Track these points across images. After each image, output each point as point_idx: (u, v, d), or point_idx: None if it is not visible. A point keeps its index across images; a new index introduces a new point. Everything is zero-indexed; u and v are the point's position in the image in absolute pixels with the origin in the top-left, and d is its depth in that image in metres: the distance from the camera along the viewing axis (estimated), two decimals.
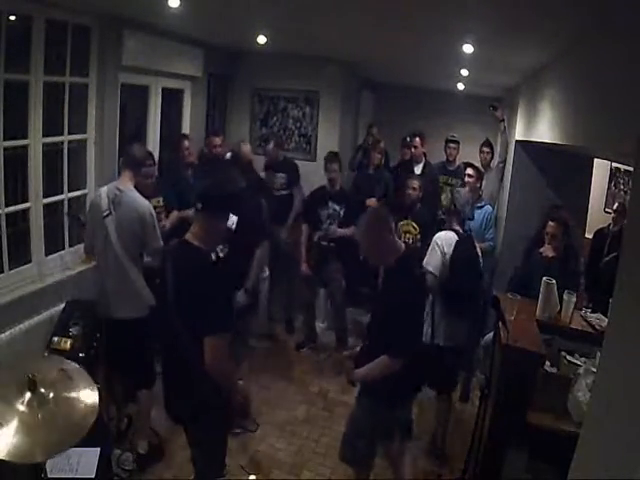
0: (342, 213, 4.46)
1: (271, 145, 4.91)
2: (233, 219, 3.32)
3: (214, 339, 2.05)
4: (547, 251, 3.54)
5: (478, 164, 4.96)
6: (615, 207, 4.80)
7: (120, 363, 3.14)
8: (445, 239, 3.26)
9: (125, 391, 3.40)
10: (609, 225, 4.70)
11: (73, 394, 1.70)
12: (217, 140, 4.86)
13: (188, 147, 4.39)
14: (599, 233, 4.79)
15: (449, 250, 3.20)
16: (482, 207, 4.38)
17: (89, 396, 1.72)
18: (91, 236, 3.08)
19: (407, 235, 4.16)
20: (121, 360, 3.10)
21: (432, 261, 3.21)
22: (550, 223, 3.51)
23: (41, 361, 1.79)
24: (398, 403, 2.61)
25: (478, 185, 4.44)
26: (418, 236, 4.19)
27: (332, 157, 4.52)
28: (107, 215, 2.95)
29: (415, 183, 4.19)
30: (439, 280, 3.20)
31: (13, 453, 1.47)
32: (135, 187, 3.06)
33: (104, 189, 3.04)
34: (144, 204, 3.00)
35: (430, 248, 3.29)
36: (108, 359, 3.18)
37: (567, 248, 3.55)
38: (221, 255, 3.37)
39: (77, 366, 1.86)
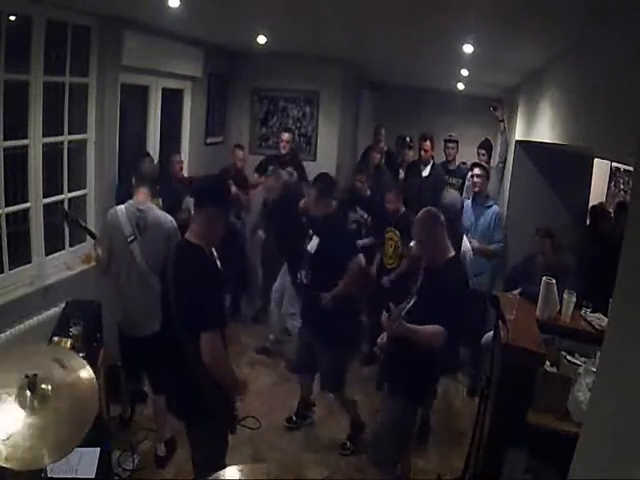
0: (369, 220, 4.63)
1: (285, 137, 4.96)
2: (314, 242, 3.28)
3: (210, 335, 2.06)
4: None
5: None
6: (614, 208, 4.80)
7: (140, 375, 3.33)
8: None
9: (135, 392, 3.50)
10: None
11: (70, 378, 1.68)
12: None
13: (243, 158, 4.61)
14: None
15: None
16: (490, 207, 4.37)
17: (85, 373, 1.71)
18: (108, 258, 3.01)
19: (390, 242, 4.23)
20: (141, 371, 3.27)
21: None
22: (537, 239, 3.71)
23: (33, 358, 1.77)
24: (427, 397, 2.78)
25: (486, 184, 4.43)
26: (399, 242, 4.22)
27: (359, 168, 4.80)
28: (132, 240, 2.91)
29: (390, 196, 4.29)
30: None
31: (23, 461, 1.43)
32: None
33: (121, 209, 2.96)
34: (168, 220, 2.97)
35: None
36: (127, 373, 3.33)
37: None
38: (305, 281, 3.32)
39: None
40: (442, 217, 2.69)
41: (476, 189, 4.41)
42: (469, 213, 4.41)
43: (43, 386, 1.61)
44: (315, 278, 3.31)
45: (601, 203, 4.88)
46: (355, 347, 4.53)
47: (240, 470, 1.60)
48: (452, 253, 2.67)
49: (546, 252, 3.65)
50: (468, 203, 4.49)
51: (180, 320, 2.12)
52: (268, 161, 5.01)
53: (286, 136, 5.00)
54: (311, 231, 3.41)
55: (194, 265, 2.16)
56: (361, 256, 3.28)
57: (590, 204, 4.88)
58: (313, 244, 3.31)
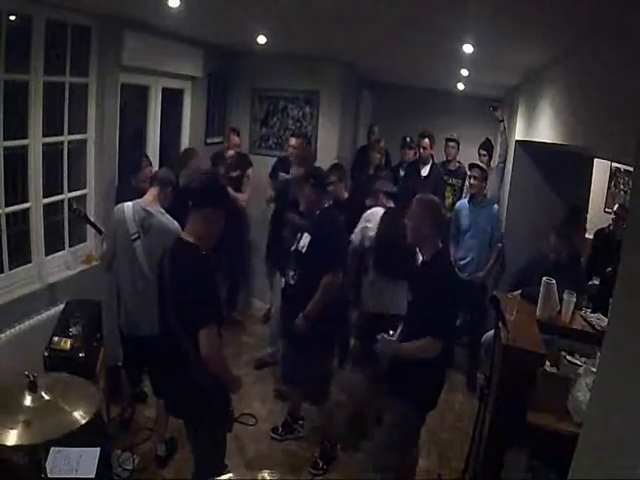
0: None
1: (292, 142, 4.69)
2: (305, 240, 3.11)
3: (208, 330, 2.08)
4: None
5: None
6: (615, 209, 4.80)
7: (141, 375, 3.40)
8: (370, 213, 3.59)
9: (135, 392, 3.53)
10: (609, 225, 4.70)
11: (70, 408, 1.72)
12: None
13: (239, 144, 4.76)
14: (599, 233, 4.79)
15: (374, 224, 3.48)
16: (486, 207, 4.38)
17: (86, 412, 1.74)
18: (111, 255, 3.04)
19: None
20: (142, 372, 3.35)
21: (354, 232, 3.57)
22: (553, 239, 3.65)
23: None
24: (432, 403, 2.71)
25: (483, 185, 4.43)
26: None
27: (333, 168, 4.23)
28: (135, 239, 2.92)
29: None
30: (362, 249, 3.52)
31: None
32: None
33: (127, 206, 2.97)
34: (174, 227, 2.92)
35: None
36: (128, 373, 3.36)
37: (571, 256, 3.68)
38: (292, 282, 3.16)
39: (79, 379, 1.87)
40: (441, 210, 2.72)
41: (472, 190, 4.42)
42: (466, 214, 4.42)
43: (42, 393, 1.63)
44: (303, 278, 3.13)
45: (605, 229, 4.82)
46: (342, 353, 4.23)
47: None
48: (440, 245, 2.66)
49: (563, 253, 3.62)
50: (464, 204, 4.49)
51: (176, 318, 2.13)
52: (278, 165, 4.87)
53: (293, 142, 4.71)
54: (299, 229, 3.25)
55: (189, 263, 2.17)
56: (338, 274, 3.09)
57: (590, 204, 4.88)
58: (304, 242, 3.13)
